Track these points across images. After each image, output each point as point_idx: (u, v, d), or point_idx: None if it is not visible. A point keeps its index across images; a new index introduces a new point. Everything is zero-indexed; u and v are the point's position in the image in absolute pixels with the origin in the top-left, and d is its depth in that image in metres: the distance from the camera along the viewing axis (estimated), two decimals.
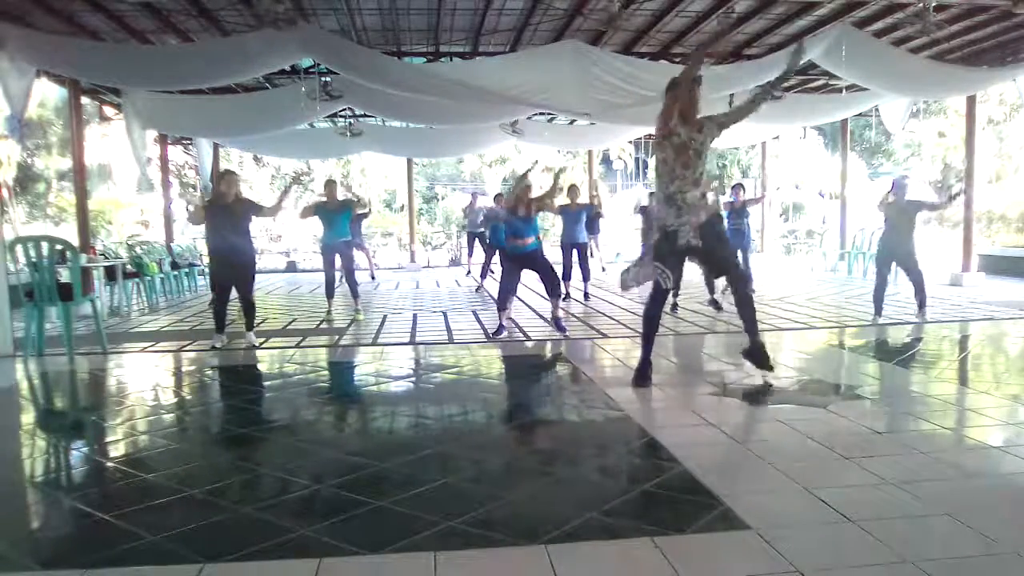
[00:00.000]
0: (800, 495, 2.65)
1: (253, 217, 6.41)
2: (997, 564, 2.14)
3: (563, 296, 9.24)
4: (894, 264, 7.05)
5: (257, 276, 6.75)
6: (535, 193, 6.75)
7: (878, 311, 6.94)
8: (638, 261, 4.63)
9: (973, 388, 4.57)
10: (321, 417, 4.23)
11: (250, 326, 6.40)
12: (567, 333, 6.54)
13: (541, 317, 7.67)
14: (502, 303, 6.60)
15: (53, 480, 3.23)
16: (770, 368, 4.48)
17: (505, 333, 6.55)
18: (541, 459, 3.28)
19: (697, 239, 4.27)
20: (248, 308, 6.39)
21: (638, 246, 10.73)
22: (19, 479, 3.20)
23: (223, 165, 18.28)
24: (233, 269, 6.23)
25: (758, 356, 4.47)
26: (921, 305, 6.95)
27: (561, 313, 6.81)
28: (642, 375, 4.51)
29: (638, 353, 4.64)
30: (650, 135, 16.77)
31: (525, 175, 6.80)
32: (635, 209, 10.83)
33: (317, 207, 8.06)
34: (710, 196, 4.81)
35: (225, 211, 6.13)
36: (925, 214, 7.54)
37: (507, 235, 6.57)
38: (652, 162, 4.72)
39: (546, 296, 6.89)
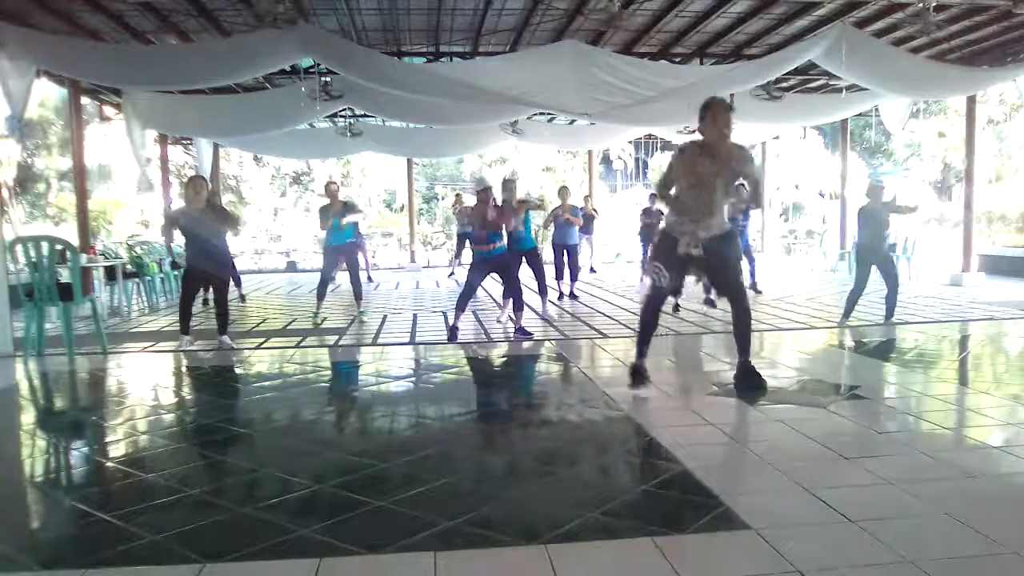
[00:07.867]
0: (800, 495, 2.65)
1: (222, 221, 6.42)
2: (997, 564, 2.14)
3: (560, 296, 9.30)
4: (873, 267, 6.80)
5: (257, 276, 6.75)
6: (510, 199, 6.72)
7: (847, 313, 6.81)
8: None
9: (973, 388, 4.57)
10: (321, 417, 4.23)
11: (222, 330, 6.32)
12: (533, 336, 6.47)
13: (541, 317, 7.67)
14: (462, 303, 6.47)
15: (53, 480, 3.23)
16: (764, 389, 4.21)
17: (459, 336, 6.40)
18: (541, 459, 3.27)
19: (699, 251, 4.09)
20: (221, 311, 6.34)
21: (639, 246, 10.77)
22: (19, 479, 3.19)
23: (223, 165, 18.26)
24: (208, 270, 6.31)
25: (750, 378, 4.24)
26: (890, 313, 6.78)
27: (524, 323, 6.64)
28: (635, 375, 4.29)
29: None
30: (650, 135, 16.78)
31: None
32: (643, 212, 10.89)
33: (322, 210, 8.02)
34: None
35: (196, 215, 6.20)
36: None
37: (470, 240, 6.57)
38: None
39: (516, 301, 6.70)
